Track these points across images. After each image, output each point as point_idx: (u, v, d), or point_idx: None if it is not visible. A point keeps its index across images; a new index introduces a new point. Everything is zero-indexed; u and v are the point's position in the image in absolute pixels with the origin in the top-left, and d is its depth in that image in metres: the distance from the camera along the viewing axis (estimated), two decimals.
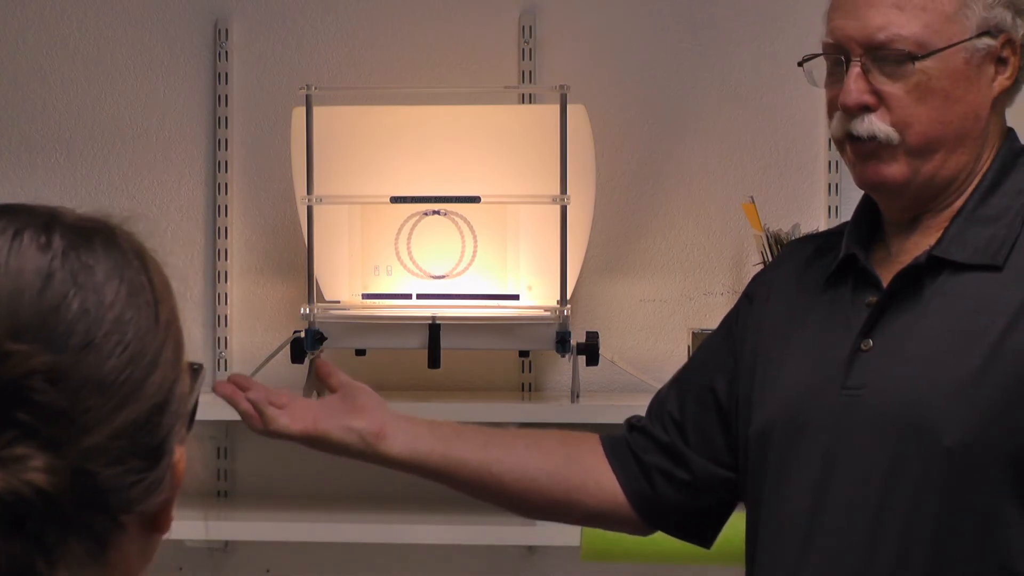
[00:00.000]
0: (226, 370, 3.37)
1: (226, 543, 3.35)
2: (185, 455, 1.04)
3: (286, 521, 3.11)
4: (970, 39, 1.76)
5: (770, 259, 3.08)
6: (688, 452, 1.94)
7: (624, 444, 1.99)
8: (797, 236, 3.07)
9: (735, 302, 2.03)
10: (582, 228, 3.15)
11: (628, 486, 1.96)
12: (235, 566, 3.37)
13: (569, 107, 3.06)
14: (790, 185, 3.28)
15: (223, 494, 3.36)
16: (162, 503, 1.03)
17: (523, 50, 3.32)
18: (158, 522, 1.04)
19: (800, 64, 1.85)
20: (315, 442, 1.90)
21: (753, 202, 3.18)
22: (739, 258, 3.30)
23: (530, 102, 3.29)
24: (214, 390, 1.93)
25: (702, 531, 2.00)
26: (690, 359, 2.03)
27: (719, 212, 3.30)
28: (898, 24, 1.75)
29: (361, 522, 3.09)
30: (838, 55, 1.79)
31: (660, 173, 3.32)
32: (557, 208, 3.07)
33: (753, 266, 3.20)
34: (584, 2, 3.33)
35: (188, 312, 3.41)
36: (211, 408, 3.16)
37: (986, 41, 1.77)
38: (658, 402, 2.01)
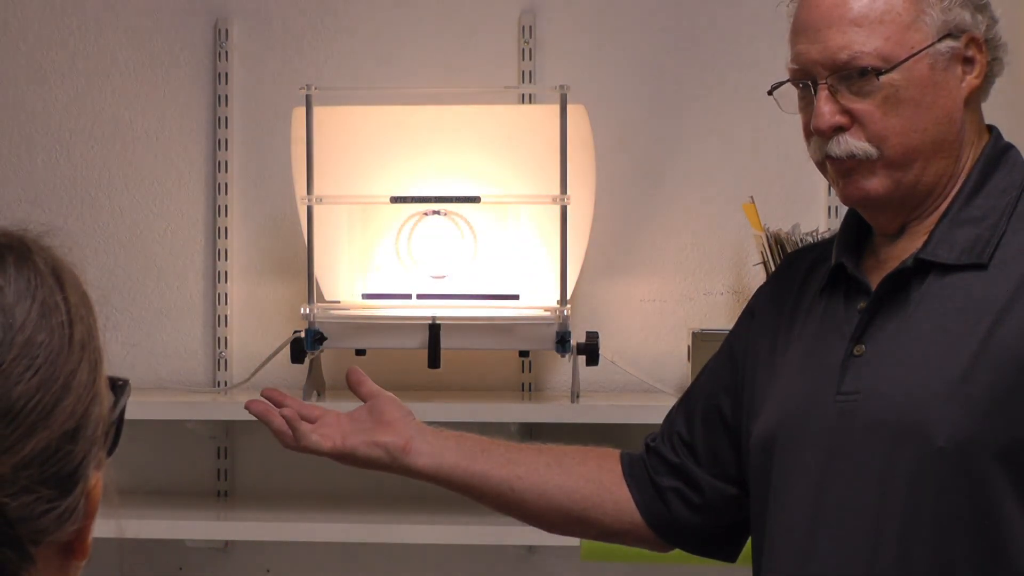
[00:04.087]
0: (226, 370, 3.37)
1: (226, 543, 3.35)
2: (102, 479, 0.99)
3: (286, 521, 3.11)
4: (932, 44, 1.76)
5: (770, 259, 3.08)
6: (699, 473, 1.96)
7: (641, 464, 2.01)
8: (797, 236, 3.08)
9: (734, 303, 2.04)
10: (582, 228, 3.15)
11: (644, 507, 1.99)
12: (235, 566, 3.37)
13: (569, 107, 3.06)
14: (790, 185, 3.28)
15: (223, 494, 3.36)
16: (76, 532, 0.98)
17: (523, 50, 3.32)
18: (74, 550, 0.98)
19: (769, 92, 1.86)
20: (344, 458, 1.95)
21: (753, 202, 3.18)
22: (739, 258, 3.30)
23: (530, 102, 3.29)
24: (246, 407, 1.96)
25: (723, 547, 2.02)
26: (696, 378, 2.04)
27: (719, 212, 3.30)
28: (859, 42, 1.75)
29: (361, 522, 3.09)
30: (805, 80, 1.80)
31: (660, 173, 3.32)
32: (557, 208, 3.07)
33: (753, 266, 3.20)
34: (584, 2, 3.33)
35: (188, 312, 3.43)
36: (211, 408, 3.18)
37: (948, 43, 1.77)
38: (668, 421, 2.03)
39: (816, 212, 3.26)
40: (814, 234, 3.08)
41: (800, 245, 3.00)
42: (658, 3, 3.32)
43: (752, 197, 3.19)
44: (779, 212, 3.22)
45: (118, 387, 1.02)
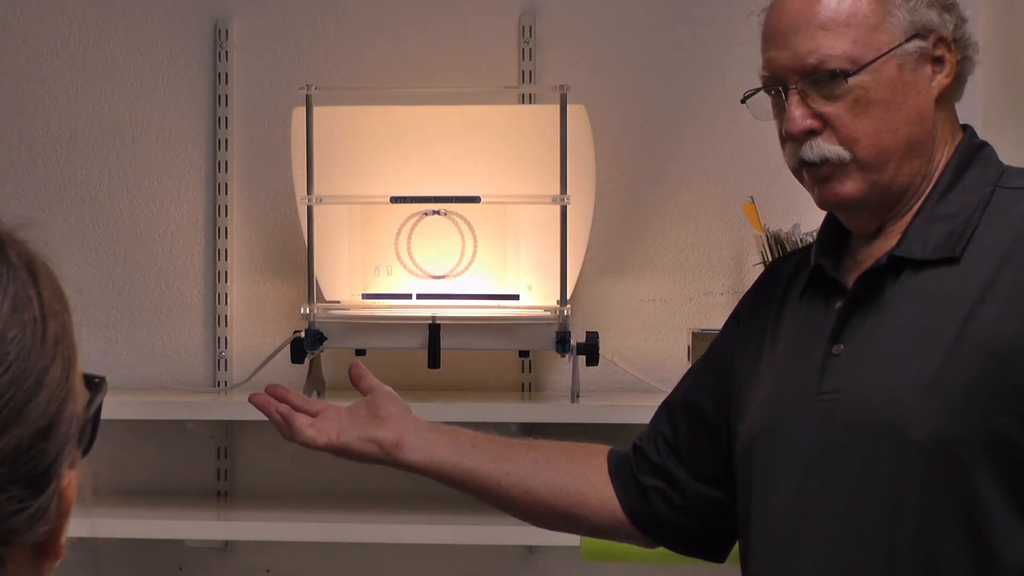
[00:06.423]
0: (226, 370, 3.37)
1: (226, 543, 3.35)
2: (76, 478, 0.96)
3: (286, 521, 3.11)
4: (900, 45, 1.78)
5: (770, 259, 3.08)
6: (681, 474, 1.99)
7: (627, 463, 2.03)
8: (797, 236, 3.08)
9: (734, 303, 2.06)
10: (582, 228, 3.15)
11: (627, 505, 2.01)
12: (235, 566, 3.37)
13: (569, 107, 3.06)
14: (790, 185, 3.25)
15: (223, 494, 3.36)
16: (49, 532, 0.95)
17: (523, 50, 3.32)
18: (47, 551, 0.96)
19: (743, 101, 1.88)
20: (338, 453, 2.00)
21: (753, 202, 3.18)
22: (739, 258, 3.30)
23: (530, 102, 3.29)
24: (250, 400, 2.01)
25: (709, 548, 2.04)
26: (681, 379, 2.07)
27: (719, 212, 3.30)
28: (826, 45, 1.77)
29: (361, 522, 3.09)
30: (776, 86, 1.82)
31: (660, 173, 3.32)
32: (557, 208, 3.07)
33: (753, 266, 3.20)
34: (584, 2, 3.33)
35: (188, 312, 3.43)
36: (211, 408, 3.18)
37: (916, 44, 1.78)
38: (654, 422, 2.05)
39: (816, 212, 3.22)
40: (814, 234, 3.08)
41: (800, 245, 3.01)
42: (658, 3, 3.32)
43: (752, 197, 3.19)
44: (779, 212, 3.22)
45: (94, 384, 0.98)
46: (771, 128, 1.89)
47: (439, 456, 1.99)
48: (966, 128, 1.86)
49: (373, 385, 2.04)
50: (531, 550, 3.29)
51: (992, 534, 1.71)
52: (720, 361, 1.98)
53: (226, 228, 3.39)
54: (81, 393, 0.97)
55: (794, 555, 1.79)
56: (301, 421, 1.97)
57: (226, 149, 3.39)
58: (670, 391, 2.06)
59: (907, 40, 1.78)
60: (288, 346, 3.12)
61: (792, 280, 1.93)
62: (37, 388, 0.93)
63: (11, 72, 3.43)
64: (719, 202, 3.30)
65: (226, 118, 3.39)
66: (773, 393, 1.85)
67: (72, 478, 0.96)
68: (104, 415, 1.00)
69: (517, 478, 2.00)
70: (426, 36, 3.35)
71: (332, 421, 1.99)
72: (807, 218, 3.21)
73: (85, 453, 0.98)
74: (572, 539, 2.88)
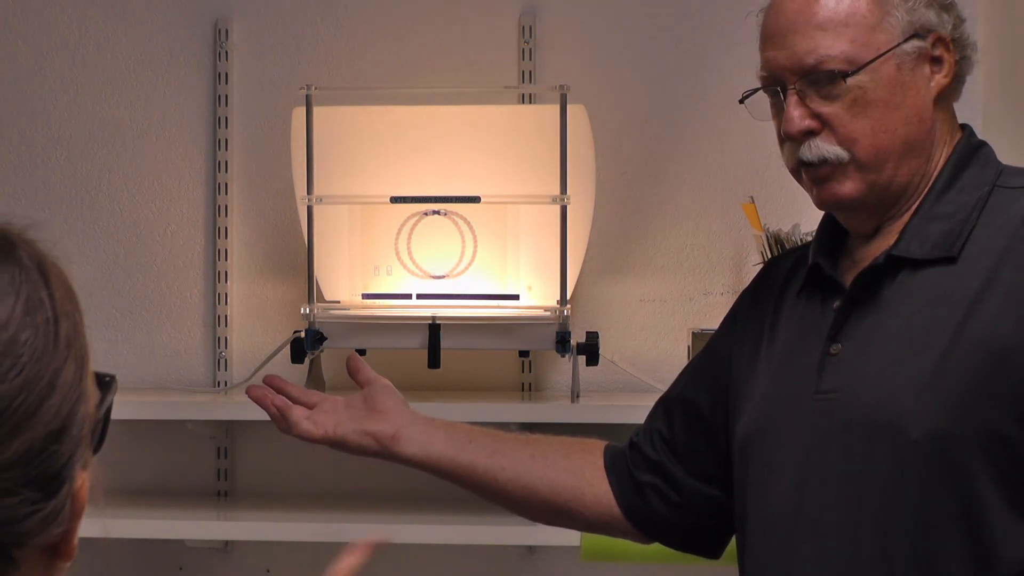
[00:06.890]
0: (226, 370, 3.37)
1: (226, 543, 3.35)
2: (88, 479, 0.96)
3: (286, 521, 3.11)
4: (898, 45, 1.78)
5: (769, 258, 3.08)
6: (678, 471, 1.99)
7: (623, 458, 2.04)
8: (797, 236, 3.08)
9: (731, 307, 2.07)
10: (582, 228, 3.15)
11: (623, 501, 2.02)
12: (235, 566, 3.37)
13: (569, 107, 3.06)
14: (790, 185, 3.24)
15: (223, 494, 3.36)
16: (62, 533, 0.94)
17: (523, 50, 3.32)
18: (59, 552, 0.95)
19: (741, 101, 1.89)
20: (335, 446, 2.00)
21: (753, 202, 3.18)
22: (739, 258, 3.30)
23: (530, 102, 3.29)
24: (247, 392, 2.01)
25: (705, 544, 2.04)
26: (678, 376, 2.07)
27: (719, 212, 3.30)
28: (824, 45, 1.78)
29: (361, 522, 3.09)
30: (775, 86, 1.83)
31: (660, 173, 3.32)
32: (557, 208, 3.07)
33: (753, 266, 3.20)
34: (584, 2, 3.33)
35: (188, 312, 3.43)
36: (211, 408, 3.18)
37: (915, 43, 1.79)
38: (650, 418, 2.06)
39: (816, 212, 3.24)
40: (814, 234, 3.08)
41: (800, 245, 3.01)
42: (658, 3, 3.32)
43: (752, 197, 3.19)
44: (779, 212, 3.22)
45: (104, 383, 0.98)
46: (771, 128, 1.89)
47: (436, 450, 2.00)
48: (964, 128, 1.87)
49: (371, 378, 2.04)
50: (531, 550, 3.29)
51: (990, 532, 1.71)
52: (717, 359, 1.98)
53: (226, 228, 3.39)
54: (93, 393, 0.97)
55: (791, 554, 1.79)
56: (298, 414, 1.98)
57: (226, 149, 3.39)
58: None
59: (905, 40, 1.78)
60: (288, 346, 3.12)
61: (790, 278, 1.94)
62: (50, 390, 0.92)
63: (11, 72, 3.43)
64: (719, 202, 3.30)
65: (226, 118, 3.39)
66: (771, 392, 1.86)
67: (85, 479, 0.95)
68: None
69: (513, 473, 2.00)
70: (426, 36, 3.35)
71: (329, 414, 1.99)
72: (807, 218, 3.21)
73: (95, 452, 0.98)
74: (572, 539, 2.88)
